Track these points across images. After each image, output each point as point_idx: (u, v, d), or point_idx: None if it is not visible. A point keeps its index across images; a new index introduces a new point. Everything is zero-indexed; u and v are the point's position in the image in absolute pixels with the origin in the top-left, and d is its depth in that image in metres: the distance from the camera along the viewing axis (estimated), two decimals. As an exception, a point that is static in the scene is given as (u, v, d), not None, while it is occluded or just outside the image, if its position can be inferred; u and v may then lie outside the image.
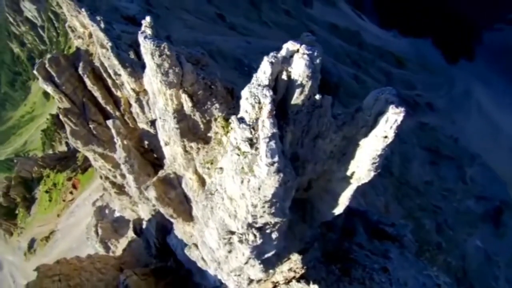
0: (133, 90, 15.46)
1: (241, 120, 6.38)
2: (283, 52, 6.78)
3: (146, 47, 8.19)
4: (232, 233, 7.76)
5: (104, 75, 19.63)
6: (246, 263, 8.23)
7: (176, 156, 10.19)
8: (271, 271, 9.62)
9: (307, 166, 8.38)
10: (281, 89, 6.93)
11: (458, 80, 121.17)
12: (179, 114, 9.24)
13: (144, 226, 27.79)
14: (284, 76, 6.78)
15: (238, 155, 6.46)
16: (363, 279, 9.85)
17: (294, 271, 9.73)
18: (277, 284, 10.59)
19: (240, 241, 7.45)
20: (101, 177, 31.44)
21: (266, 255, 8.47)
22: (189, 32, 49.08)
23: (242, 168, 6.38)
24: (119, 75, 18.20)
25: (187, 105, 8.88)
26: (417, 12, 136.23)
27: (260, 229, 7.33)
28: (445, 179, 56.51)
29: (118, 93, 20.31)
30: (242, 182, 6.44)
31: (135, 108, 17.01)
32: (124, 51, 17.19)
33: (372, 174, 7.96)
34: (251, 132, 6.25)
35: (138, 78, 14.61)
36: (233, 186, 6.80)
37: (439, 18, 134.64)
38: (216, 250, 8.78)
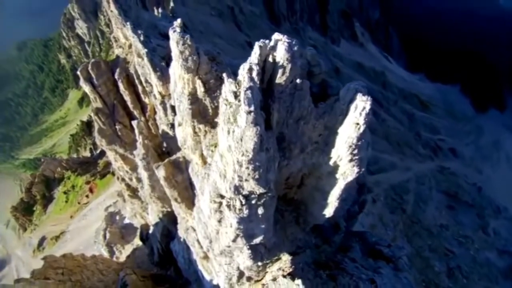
0: (160, 93, 17.24)
1: (229, 76, 7.83)
2: (271, 42, 8.47)
3: (173, 38, 10.09)
4: (222, 197, 8.69)
5: (136, 81, 21.86)
6: (234, 241, 8.88)
7: (187, 137, 11.59)
8: (259, 263, 10.09)
9: (293, 149, 9.35)
10: (268, 70, 8.52)
11: (487, 130, 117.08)
12: (193, 97, 10.94)
13: (150, 231, 28.54)
14: (270, 59, 8.44)
15: (226, 105, 7.83)
16: (349, 286, 10.01)
17: (283, 270, 10.11)
18: (266, 285, 10.91)
19: (228, 207, 8.29)
20: (118, 179, 33.13)
21: (254, 240, 9.10)
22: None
23: (229, 118, 7.64)
24: (149, 83, 20.26)
25: (200, 90, 10.57)
26: (446, 58, 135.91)
27: (246, 198, 8.19)
28: (462, 225, 53.77)
29: (146, 100, 22.36)
30: (228, 132, 7.64)
31: (159, 111, 18.72)
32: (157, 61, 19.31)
33: (356, 170, 8.64)
34: (235, 87, 7.67)
35: (165, 83, 16.39)
36: (222, 138, 8.00)
37: (469, 65, 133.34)
38: (208, 220, 9.61)
